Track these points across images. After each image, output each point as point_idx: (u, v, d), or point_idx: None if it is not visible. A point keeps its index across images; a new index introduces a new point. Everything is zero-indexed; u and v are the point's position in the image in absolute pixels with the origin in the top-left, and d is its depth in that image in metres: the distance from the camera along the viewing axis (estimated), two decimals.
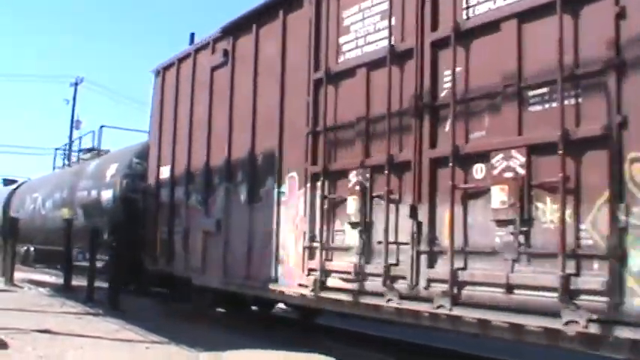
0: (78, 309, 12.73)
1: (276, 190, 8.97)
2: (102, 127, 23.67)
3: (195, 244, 11.16)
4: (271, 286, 8.84)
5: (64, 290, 16.07)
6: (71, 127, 42.54)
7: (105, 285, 14.13)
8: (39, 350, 8.07)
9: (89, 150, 23.38)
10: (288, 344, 8.84)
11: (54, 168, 33.46)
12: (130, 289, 15.32)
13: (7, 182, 36.24)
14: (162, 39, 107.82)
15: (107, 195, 15.60)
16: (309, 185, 8.19)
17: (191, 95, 11.79)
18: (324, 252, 7.76)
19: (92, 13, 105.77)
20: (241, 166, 10.01)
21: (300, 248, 8.25)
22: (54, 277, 20.18)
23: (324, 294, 7.68)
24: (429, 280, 6.35)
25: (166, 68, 13.13)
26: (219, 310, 12.70)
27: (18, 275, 18.57)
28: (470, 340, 7.31)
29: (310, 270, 7.99)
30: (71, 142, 39.81)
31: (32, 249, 25.91)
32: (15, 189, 26.98)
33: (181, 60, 12.45)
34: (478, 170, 6.10)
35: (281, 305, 12.32)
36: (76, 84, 44.41)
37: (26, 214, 22.41)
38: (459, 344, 9.08)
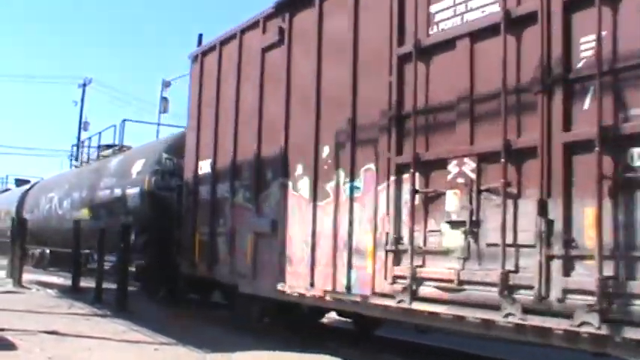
0: (86, 310, 12.58)
1: (348, 185, 7.66)
2: (124, 121, 20.70)
3: (243, 246, 9.82)
4: (344, 297, 7.59)
5: (72, 291, 15.76)
6: (79, 129, 41.83)
7: (113, 286, 13.72)
8: (47, 351, 8.00)
9: (109, 146, 21.13)
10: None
11: (71, 166, 32.42)
12: (160, 295, 14.08)
13: (20, 182, 35.05)
14: (170, 40, 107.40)
15: (133, 193, 14.29)
16: (393, 179, 6.95)
17: (237, 80, 10.47)
18: (414, 256, 6.55)
19: (100, 14, 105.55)
20: (301, 157, 8.71)
21: (382, 252, 6.99)
22: (62, 279, 19.60)
23: (416, 305, 6.46)
24: (566, 291, 5.15)
25: (206, 53, 11.90)
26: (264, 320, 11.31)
27: (26, 277, 17.98)
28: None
29: (396, 277, 6.76)
30: (79, 143, 38.99)
31: (47, 251, 24.27)
32: (28, 189, 25.64)
33: (224, 42, 11.17)
34: (635, 156, 4.92)
35: (332, 314, 11.08)
36: (84, 85, 43.80)
37: (41, 215, 21.17)
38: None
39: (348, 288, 7.51)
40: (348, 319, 10.97)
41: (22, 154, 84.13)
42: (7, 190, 36.20)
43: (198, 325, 11.07)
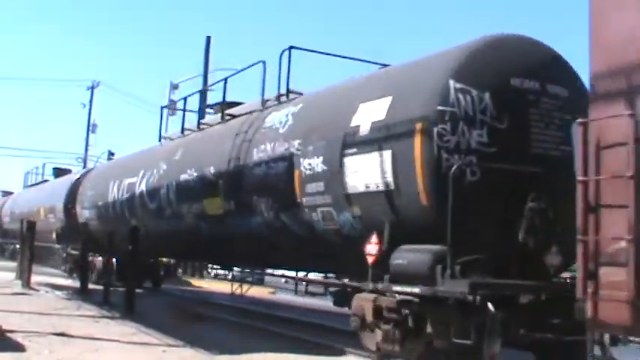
0: (94, 312, 12.69)
1: None
2: (291, 48, 10.96)
3: None
4: None
5: (81, 293, 15.97)
6: (87, 131, 42.21)
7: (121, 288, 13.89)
8: (55, 353, 8.02)
9: (233, 104, 13.24)
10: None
11: (84, 166, 29.89)
12: None
13: (60, 172, 28.58)
14: (177, 43, 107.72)
15: (360, 166, 7.89)
16: None
17: None
18: None
19: (106, 17, 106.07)
20: None
21: None
22: (70, 281, 19.90)
23: None
24: None
25: None
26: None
27: (34, 278, 18.11)
28: None
29: None
30: (87, 145, 39.42)
31: (115, 261, 16.66)
32: (82, 177, 20.07)
33: None
34: None
35: None
36: (92, 88, 44.15)
37: (109, 210, 15.95)
38: None
39: None
40: None
41: (31, 157, 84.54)
42: (43, 181, 29.25)
43: (206, 328, 11.17)
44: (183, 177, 12.13)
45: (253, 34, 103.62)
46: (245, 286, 17.53)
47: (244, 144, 10.52)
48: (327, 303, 18.38)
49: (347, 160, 8.09)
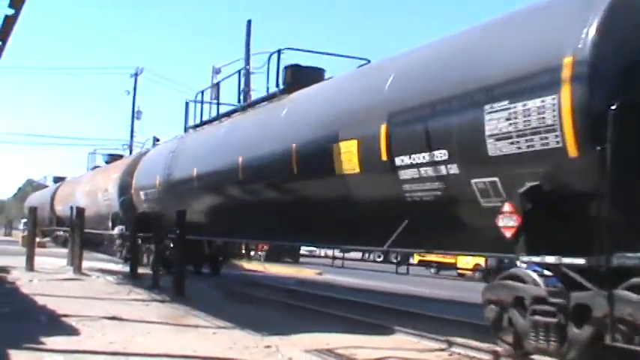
0: (144, 296, 12.84)
1: None
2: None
3: None
4: None
5: (131, 278, 16.14)
6: (132, 117, 42.73)
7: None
8: (108, 336, 8.13)
9: None
10: None
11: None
12: None
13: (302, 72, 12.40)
14: (219, 29, 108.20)
15: None
16: None
17: None
18: None
19: (150, 4, 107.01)
20: None
21: None
22: (120, 266, 20.22)
23: None
24: None
25: None
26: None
27: (85, 264, 18.37)
28: None
29: None
30: (132, 132, 39.87)
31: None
32: None
33: None
34: None
35: None
36: (136, 75, 44.62)
37: None
38: None
39: None
40: None
41: (77, 145, 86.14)
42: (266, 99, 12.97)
43: (255, 309, 11.27)
44: None
45: (294, 16, 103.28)
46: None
47: None
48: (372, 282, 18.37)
49: None
